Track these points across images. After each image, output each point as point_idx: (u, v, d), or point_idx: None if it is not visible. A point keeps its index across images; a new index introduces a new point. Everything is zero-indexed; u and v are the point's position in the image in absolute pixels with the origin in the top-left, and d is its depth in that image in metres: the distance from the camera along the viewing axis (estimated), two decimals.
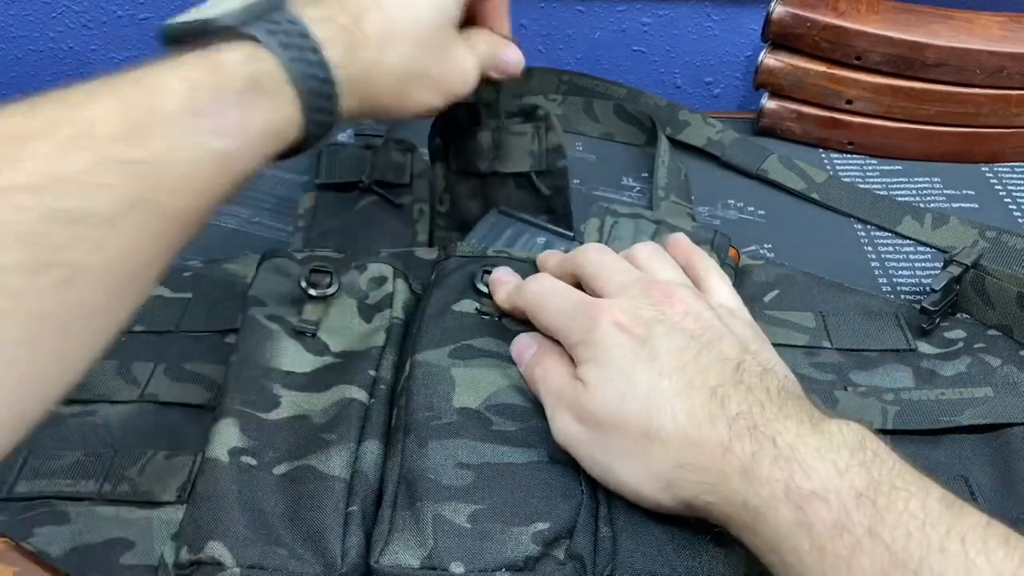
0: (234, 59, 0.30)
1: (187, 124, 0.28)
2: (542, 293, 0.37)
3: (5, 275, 0.23)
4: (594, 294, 0.36)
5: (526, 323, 0.39)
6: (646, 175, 0.58)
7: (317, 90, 0.32)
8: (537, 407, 0.36)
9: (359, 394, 0.36)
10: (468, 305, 0.40)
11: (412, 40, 0.35)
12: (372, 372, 0.38)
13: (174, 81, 0.28)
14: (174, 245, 0.29)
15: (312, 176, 0.52)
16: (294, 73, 0.31)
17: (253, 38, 0.30)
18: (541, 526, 0.31)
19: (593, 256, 0.38)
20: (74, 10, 0.68)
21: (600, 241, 0.46)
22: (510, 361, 0.38)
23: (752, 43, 0.70)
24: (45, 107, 0.26)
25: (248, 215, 0.53)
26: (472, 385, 0.36)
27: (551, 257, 0.41)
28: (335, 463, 0.33)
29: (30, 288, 0.23)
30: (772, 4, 0.58)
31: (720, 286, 0.38)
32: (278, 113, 0.31)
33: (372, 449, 0.34)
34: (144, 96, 0.27)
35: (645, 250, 0.39)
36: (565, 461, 0.34)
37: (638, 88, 0.63)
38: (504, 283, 0.40)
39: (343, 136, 0.60)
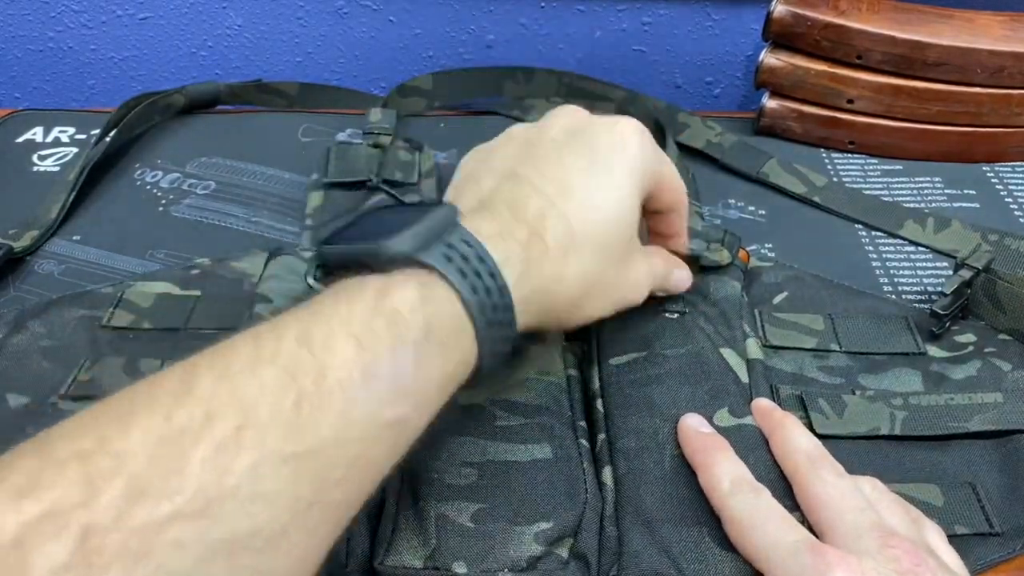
0: (408, 301, 0.25)
1: (360, 395, 0.23)
2: (758, 511, 0.31)
3: None
4: (813, 513, 0.31)
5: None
6: None
7: (496, 320, 0.27)
8: (543, 403, 0.35)
9: None
10: None
11: (595, 248, 0.32)
12: None
13: (344, 339, 0.24)
14: (335, 541, 0.24)
15: (320, 175, 0.52)
16: (473, 308, 0.26)
17: (428, 267, 0.26)
18: (544, 526, 0.31)
19: (828, 477, 0.32)
20: (74, 10, 0.68)
21: None
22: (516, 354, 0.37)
23: (753, 42, 0.70)
24: (202, 379, 0.22)
25: (246, 214, 0.53)
26: None
27: (779, 423, 0.35)
28: None
29: None
30: (773, 3, 0.58)
31: (938, 542, 0.32)
32: (454, 358, 0.27)
33: None
34: (312, 362, 0.23)
35: (868, 484, 0.33)
36: (570, 459, 0.34)
37: (639, 88, 0.63)
38: (724, 454, 0.33)
39: (348, 134, 0.61)
